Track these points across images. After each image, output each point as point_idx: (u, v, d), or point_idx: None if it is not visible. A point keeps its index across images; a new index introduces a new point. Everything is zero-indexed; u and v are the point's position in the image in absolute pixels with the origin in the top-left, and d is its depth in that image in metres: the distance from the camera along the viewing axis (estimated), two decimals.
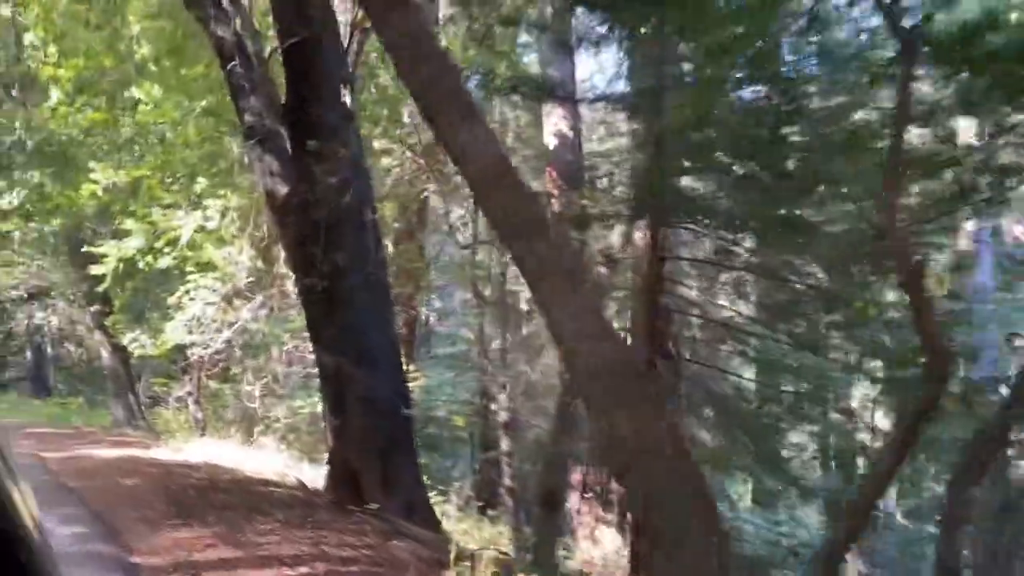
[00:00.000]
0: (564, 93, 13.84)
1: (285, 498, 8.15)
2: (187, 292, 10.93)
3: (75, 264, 16.24)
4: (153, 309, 15.92)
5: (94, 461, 10.02)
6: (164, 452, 11.31)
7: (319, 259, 8.54)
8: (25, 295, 20.95)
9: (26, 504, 0.86)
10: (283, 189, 8.85)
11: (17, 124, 15.82)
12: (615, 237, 10.65)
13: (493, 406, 13.89)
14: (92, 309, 14.70)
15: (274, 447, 13.11)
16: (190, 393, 17.09)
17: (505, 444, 10.92)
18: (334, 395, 9.03)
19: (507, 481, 10.72)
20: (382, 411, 8.88)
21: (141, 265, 12.26)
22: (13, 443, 12.13)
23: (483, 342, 16.53)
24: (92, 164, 12.83)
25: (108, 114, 11.15)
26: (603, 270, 9.49)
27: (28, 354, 23.72)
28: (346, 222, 8.95)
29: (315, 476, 10.87)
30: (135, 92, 11.44)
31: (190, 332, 11.02)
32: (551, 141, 13.81)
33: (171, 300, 11.08)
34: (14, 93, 16.96)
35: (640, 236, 8.45)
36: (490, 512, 11.92)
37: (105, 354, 16.56)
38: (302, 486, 9.16)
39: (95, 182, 12.37)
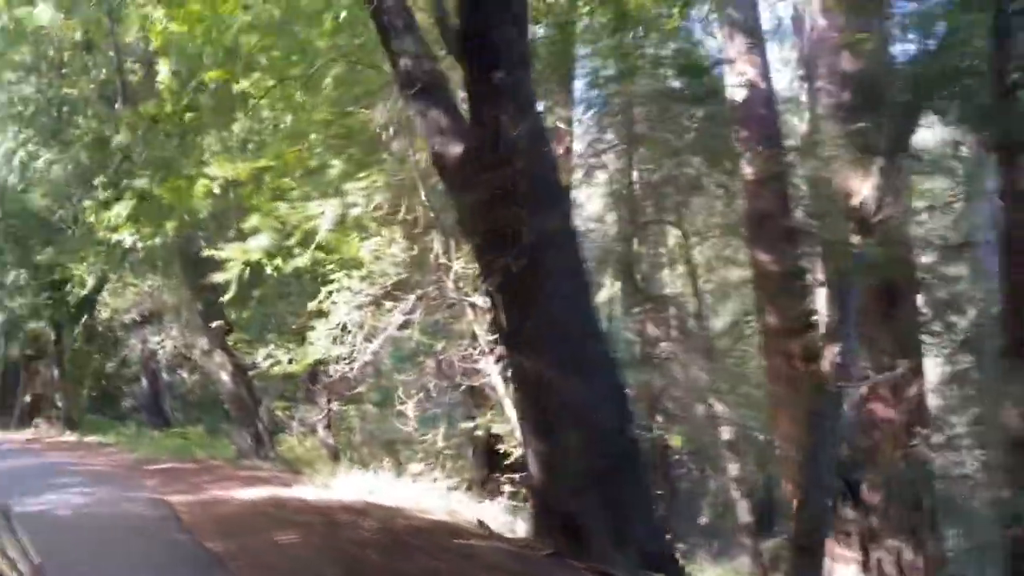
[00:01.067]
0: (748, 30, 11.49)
1: (490, 555, 5.99)
2: (329, 295, 8.99)
3: (189, 278, 14.75)
4: (282, 321, 14.32)
5: (232, 506, 8.15)
6: (308, 490, 9.39)
7: (512, 233, 6.41)
8: (138, 318, 19.86)
9: None
10: (457, 146, 6.76)
11: (121, 132, 14.57)
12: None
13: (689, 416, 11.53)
14: (212, 325, 13.04)
15: (426, 476, 11.08)
16: (320, 417, 15.46)
17: (733, 467, 8.48)
18: (535, 412, 6.85)
19: (744, 514, 8.29)
20: (603, 433, 6.66)
21: (269, 270, 10.46)
22: (137, 483, 10.46)
23: (651, 342, 14.26)
24: (207, 158, 11.21)
25: (229, 74, 9.33)
26: None
27: (143, 382, 22.70)
28: (540, 182, 6.81)
29: (494, 514, 8.77)
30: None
31: (334, 342, 9.08)
32: (736, 93, 11.39)
33: (311, 306, 9.16)
34: (117, 105, 15.75)
35: None
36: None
37: (225, 377, 14.99)
38: (500, 535, 7.01)
39: (209, 178, 10.68)
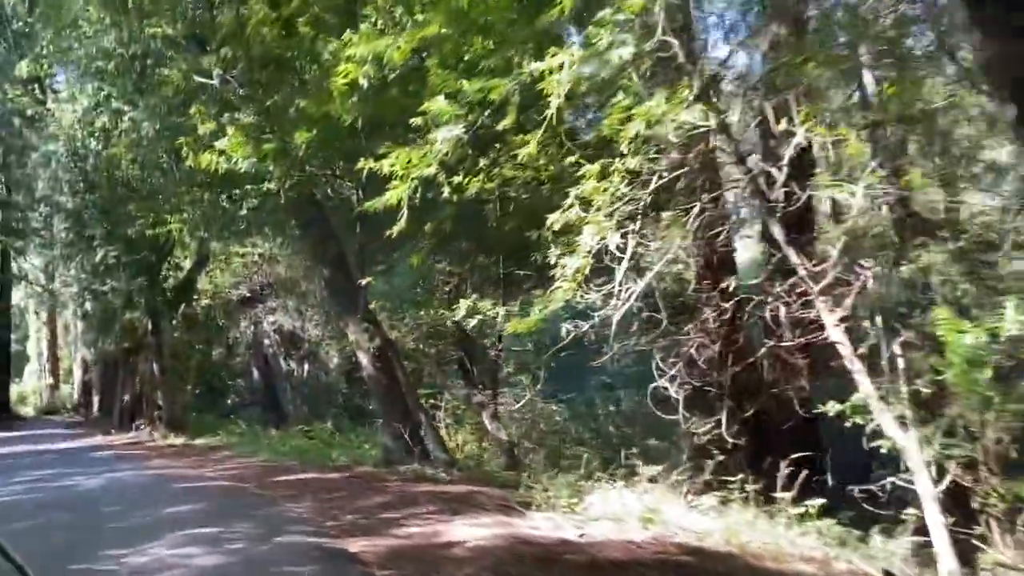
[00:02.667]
0: None
1: None
2: (586, 203, 5.41)
3: (313, 233, 11.52)
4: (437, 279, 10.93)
5: (466, 566, 4.62)
6: (552, 521, 5.84)
7: None
8: (247, 294, 16.89)
9: None
10: None
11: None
12: None
13: None
14: (362, 283, 9.66)
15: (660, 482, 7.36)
16: (485, 404, 11.99)
17: None
18: None
19: None
20: None
21: (447, 192, 6.97)
22: (280, 508, 7.12)
23: None
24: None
25: None
26: None
27: (254, 372, 19.77)
28: None
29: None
30: None
31: (582, 281, 5.53)
32: None
33: (552, 219, 5.53)
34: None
35: None
36: None
37: (364, 359, 11.70)
38: None
39: (352, 62, 7.26)
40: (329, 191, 11.16)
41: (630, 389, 16.53)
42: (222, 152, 9.33)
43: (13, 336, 48.40)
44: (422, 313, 11.18)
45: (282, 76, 10.20)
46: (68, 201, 16.27)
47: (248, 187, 10.34)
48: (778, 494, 5.53)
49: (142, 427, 20.04)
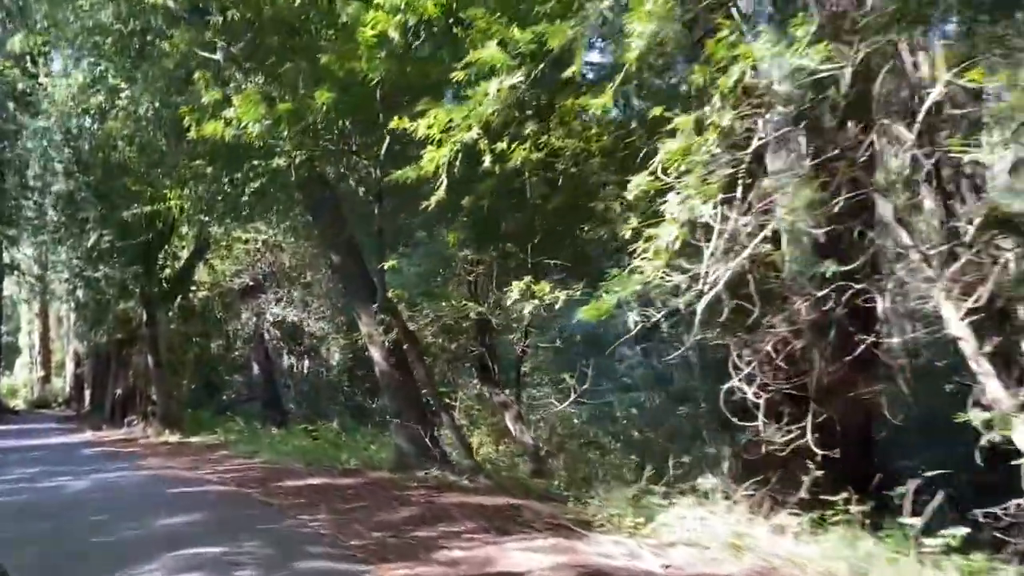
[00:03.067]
0: None
1: None
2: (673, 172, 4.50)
3: (324, 213, 10.59)
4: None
5: None
6: (622, 547, 4.92)
7: None
8: (250, 283, 15.88)
9: None
10: None
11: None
12: None
13: None
14: (384, 267, 8.69)
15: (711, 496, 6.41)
16: (508, 404, 11.00)
17: None
18: None
19: None
20: None
21: (488, 162, 6.05)
22: (292, 520, 6.18)
23: None
24: None
25: None
26: None
27: (254, 367, 18.77)
28: None
29: None
30: None
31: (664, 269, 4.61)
32: None
33: (636, 182, 4.58)
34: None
35: None
36: None
37: (377, 354, 10.76)
38: None
39: (382, 11, 6.36)
40: (343, 168, 10.21)
41: (650, 390, 15.67)
42: (229, 122, 8.41)
43: (4, 328, 47.45)
44: (443, 304, 10.21)
45: (296, 41, 9.25)
46: (60, 182, 15.28)
47: (255, 163, 9.36)
48: (906, 519, 4.59)
49: (135, 423, 19.07)
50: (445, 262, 10.56)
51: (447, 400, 12.42)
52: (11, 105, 17.51)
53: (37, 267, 42.99)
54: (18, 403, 40.56)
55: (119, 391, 19.51)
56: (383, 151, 8.47)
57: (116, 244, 14.75)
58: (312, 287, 15.04)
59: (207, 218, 13.02)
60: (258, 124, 7.08)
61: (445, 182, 5.86)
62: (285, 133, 7.13)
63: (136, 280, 16.61)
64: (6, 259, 36.04)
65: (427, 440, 10.34)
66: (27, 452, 14.60)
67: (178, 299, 18.76)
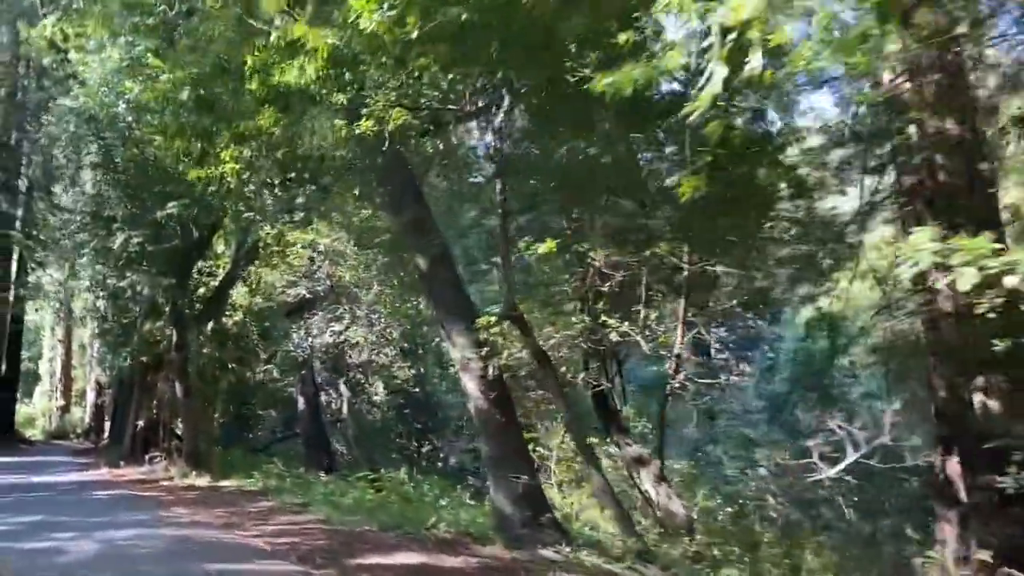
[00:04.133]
0: None
1: None
2: None
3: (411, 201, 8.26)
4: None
5: None
6: None
7: None
8: (306, 295, 13.44)
9: None
10: None
11: None
12: None
13: None
14: (505, 260, 6.26)
15: None
16: (645, 459, 8.33)
17: None
18: None
19: None
20: None
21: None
22: None
23: None
24: None
25: None
26: None
27: (299, 401, 16.21)
28: None
29: None
30: None
31: None
32: None
33: None
34: None
35: None
36: None
37: (472, 385, 8.29)
38: None
39: None
40: (442, 144, 7.89)
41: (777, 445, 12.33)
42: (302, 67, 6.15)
43: (27, 353, 45.45)
44: (575, 321, 7.73)
45: None
46: (86, 174, 13.17)
47: (336, 125, 7.04)
48: None
49: (157, 459, 16.65)
50: (565, 268, 8.13)
51: (539, 449, 9.93)
52: (34, 78, 15.61)
53: (63, 292, 41.36)
54: (35, 433, 38.41)
55: (141, 423, 17.14)
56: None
57: (147, 248, 12.52)
58: (379, 305, 12.63)
59: (258, 216, 10.75)
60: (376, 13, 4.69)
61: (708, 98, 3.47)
62: (414, 34, 4.73)
63: (167, 294, 14.37)
64: (31, 281, 34.27)
65: (535, 500, 7.86)
66: (30, 491, 12.24)
67: (212, 321, 16.50)
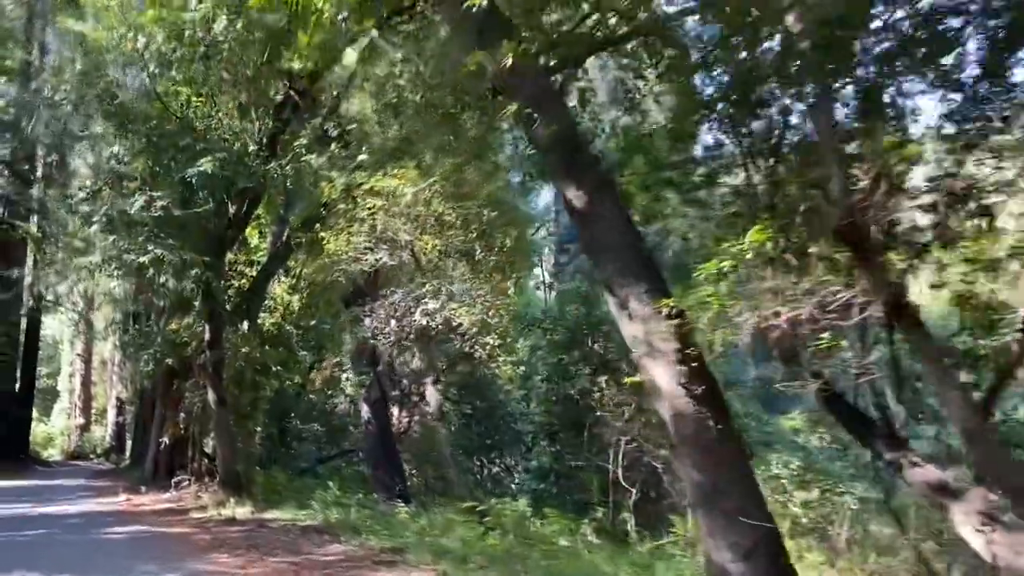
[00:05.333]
0: None
1: None
2: None
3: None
4: None
5: None
6: None
7: None
8: (379, 261, 10.33)
9: None
10: None
11: None
12: None
13: None
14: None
15: None
16: (949, 488, 5.43)
17: None
18: None
19: None
20: None
21: None
22: None
23: None
24: None
25: None
26: None
27: (363, 412, 13.05)
28: None
29: None
30: None
31: None
32: None
33: None
34: None
35: None
36: None
37: (663, 376, 5.40)
38: None
39: None
40: None
41: None
42: None
43: (45, 369, 43.09)
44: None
45: None
46: (97, 128, 10.46)
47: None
48: None
49: (185, 483, 13.85)
50: None
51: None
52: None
53: (83, 302, 39.06)
54: (52, 454, 35.99)
55: (166, 439, 14.32)
56: None
57: (173, 213, 9.72)
58: (478, 279, 9.62)
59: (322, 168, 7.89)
60: None
61: None
62: None
63: (198, 279, 11.56)
64: (48, 295, 31.83)
65: (771, 555, 4.92)
66: (25, 527, 9.47)
67: (248, 318, 13.70)
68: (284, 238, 12.58)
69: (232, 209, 12.04)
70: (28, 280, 26.86)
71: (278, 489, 12.20)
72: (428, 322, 9.26)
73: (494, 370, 14.26)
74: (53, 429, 40.65)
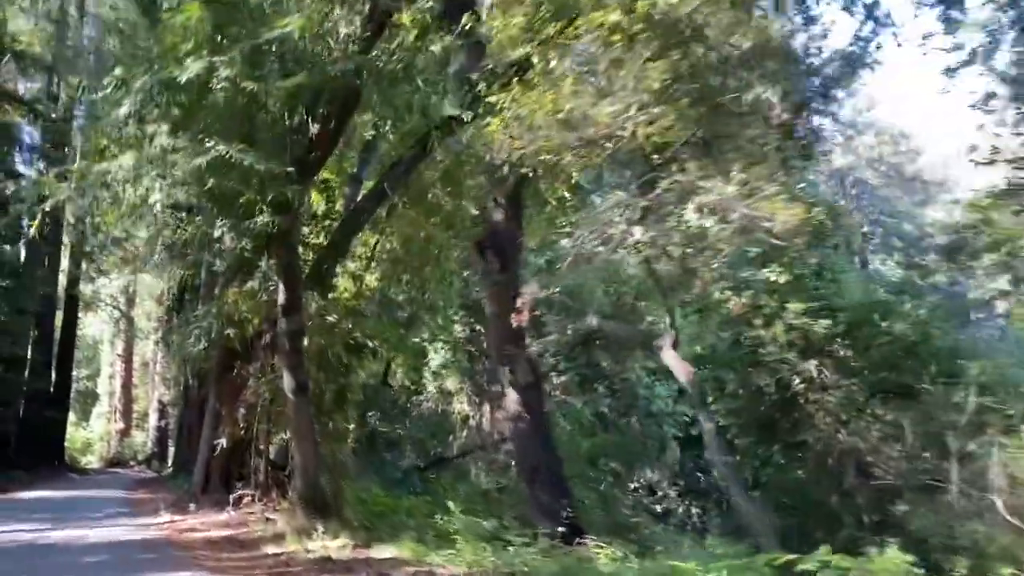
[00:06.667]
0: None
1: None
2: None
3: None
4: None
5: None
6: None
7: None
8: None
9: None
10: None
11: None
12: None
13: None
14: None
15: None
16: None
17: None
18: None
19: None
20: None
21: None
22: None
23: None
24: None
25: None
26: None
27: (516, 410, 9.11)
28: None
29: None
30: None
31: None
32: None
33: None
34: None
35: None
36: None
37: None
38: None
39: None
40: None
41: None
42: None
43: (84, 371, 40.56)
44: None
45: None
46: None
47: None
48: None
49: (247, 500, 10.45)
50: None
51: None
52: None
53: (124, 300, 36.48)
54: (90, 460, 33.38)
55: (223, 441, 10.89)
56: None
57: (242, 94, 6.31)
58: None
59: None
60: None
61: None
62: None
63: (267, 241, 8.13)
64: (87, 292, 29.19)
65: None
66: (21, 566, 6.14)
67: (325, 283, 10.32)
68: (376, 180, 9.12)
69: (314, 128, 8.65)
70: (65, 270, 24.27)
71: (377, 511, 8.68)
72: (706, 225, 5.56)
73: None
74: (92, 434, 38.23)
